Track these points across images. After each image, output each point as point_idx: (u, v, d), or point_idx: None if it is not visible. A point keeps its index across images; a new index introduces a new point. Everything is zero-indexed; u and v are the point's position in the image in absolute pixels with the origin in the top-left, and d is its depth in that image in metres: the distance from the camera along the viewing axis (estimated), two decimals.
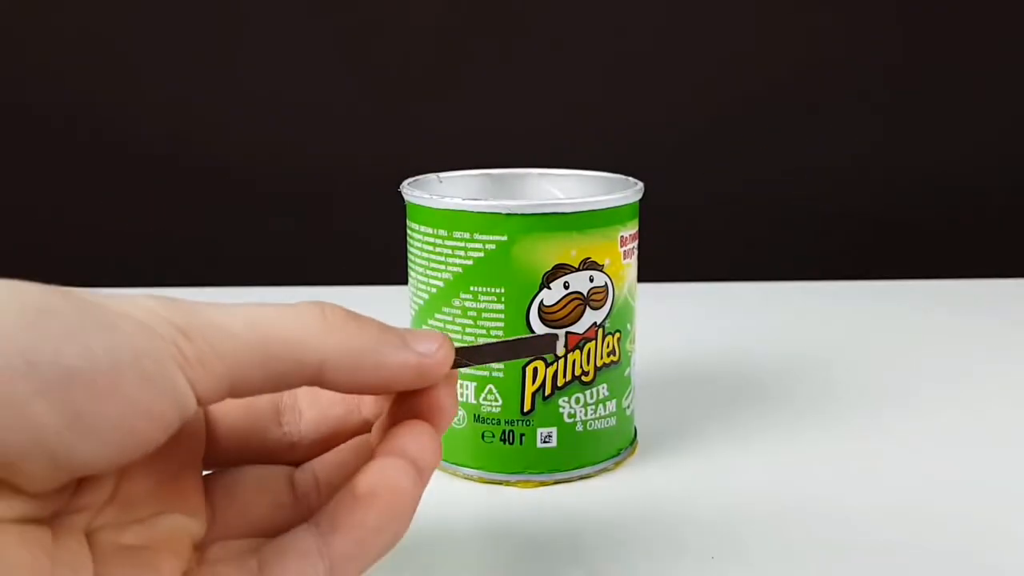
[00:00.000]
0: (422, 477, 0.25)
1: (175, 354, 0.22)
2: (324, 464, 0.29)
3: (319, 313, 0.25)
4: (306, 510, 0.28)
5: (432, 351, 0.26)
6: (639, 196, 0.38)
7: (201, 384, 0.23)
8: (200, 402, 0.23)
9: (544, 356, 0.35)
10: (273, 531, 0.26)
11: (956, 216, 0.75)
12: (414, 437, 0.26)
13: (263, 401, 0.29)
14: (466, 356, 0.28)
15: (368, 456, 0.26)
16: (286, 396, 0.30)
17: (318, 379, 0.25)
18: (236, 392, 0.24)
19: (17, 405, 0.20)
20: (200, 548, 0.26)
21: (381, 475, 0.25)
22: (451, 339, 0.27)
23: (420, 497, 0.26)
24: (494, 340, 0.35)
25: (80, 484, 0.24)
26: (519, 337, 0.34)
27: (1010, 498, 0.37)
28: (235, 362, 0.23)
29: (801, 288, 0.67)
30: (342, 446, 0.30)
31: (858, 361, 0.52)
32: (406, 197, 0.38)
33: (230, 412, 0.29)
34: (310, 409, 0.29)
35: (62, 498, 0.24)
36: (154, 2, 0.72)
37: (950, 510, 0.36)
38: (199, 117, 0.74)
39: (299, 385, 0.25)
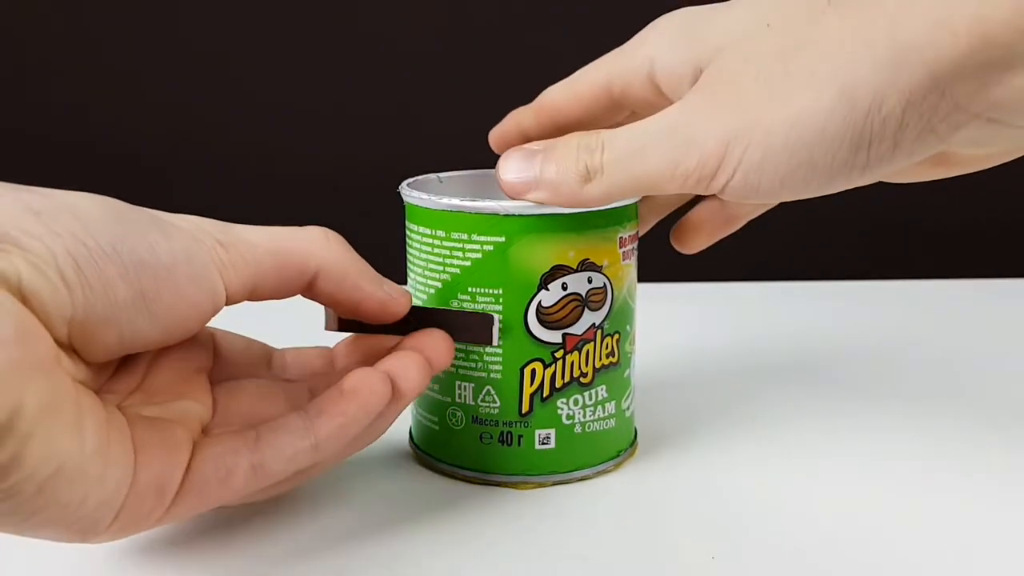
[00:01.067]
0: (398, 389, 0.32)
1: (215, 259, 0.29)
2: (317, 380, 0.35)
3: (323, 234, 0.32)
4: (296, 409, 0.33)
5: (396, 295, 0.34)
6: (638, 198, 0.38)
7: (232, 284, 0.29)
8: (228, 299, 0.29)
9: (482, 345, 0.36)
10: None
11: (956, 216, 0.75)
12: (397, 359, 0.33)
13: (257, 347, 0.36)
14: (420, 314, 0.35)
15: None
16: (275, 351, 0.37)
17: (313, 284, 0.32)
18: (255, 294, 0.30)
19: (105, 282, 0.26)
20: (206, 430, 0.31)
21: (363, 377, 0.31)
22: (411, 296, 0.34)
23: (397, 410, 0.33)
24: (441, 308, 0.36)
25: (117, 369, 0.30)
26: (459, 310, 0.36)
27: (1011, 498, 0.37)
28: (258, 268, 0.30)
29: (802, 288, 0.67)
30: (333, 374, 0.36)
31: (859, 361, 0.52)
32: (404, 198, 0.38)
33: (232, 348, 0.35)
34: (294, 362, 0.36)
35: (103, 377, 0.29)
36: (151, 1, 0.71)
37: (951, 510, 0.36)
38: (199, 117, 0.74)
39: (300, 291, 0.32)
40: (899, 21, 0.28)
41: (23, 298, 0.24)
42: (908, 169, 0.33)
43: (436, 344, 0.34)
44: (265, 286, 0.30)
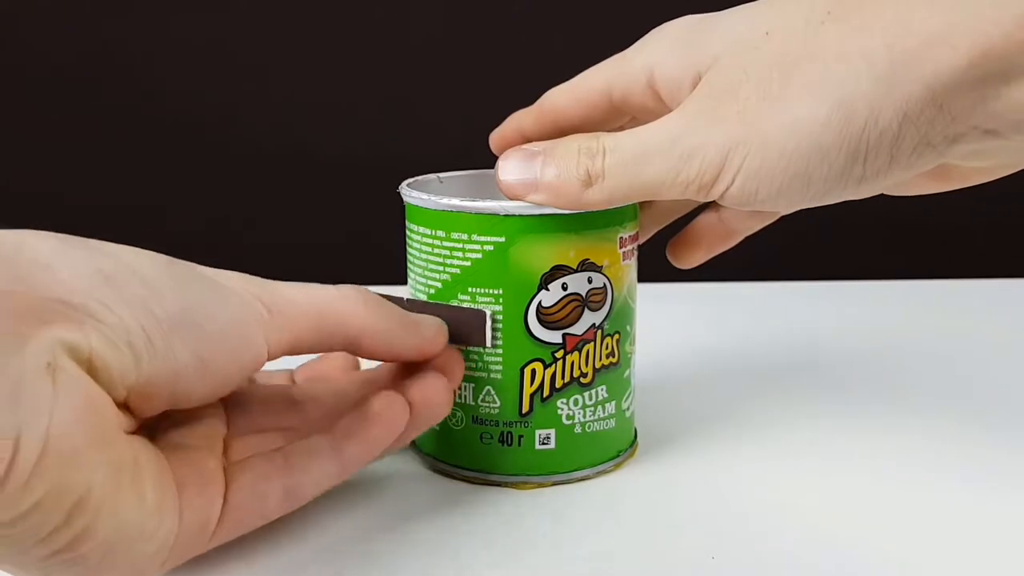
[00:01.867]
0: (415, 412, 0.33)
1: (262, 323, 0.29)
2: (319, 387, 0.36)
3: (358, 296, 0.32)
4: (300, 416, 0.34)
5: (432, 336, 0.34)
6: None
7: (273, 344, 0.30)
8: (268, 357, 0.30)
9: (479, 345, 0.36)
10: (273, 430, 0.33)
11: (956, 216, 0.75)
12: (418, 385, 0.34)
13: None
14: (415, 307, 0.35)
15: (370, 389, 0.34)
16: None
17: (355, 345, 0.32)
18: (294, 350, 0.31)
19: (170, 350, 0.26)
20: (227, 447, 0.32)
21: (389, 403, 0.33)
22: (442, 325, 0.35)
23: (413, 433, 0.34)
24: (438, 303, 0.36)
25: None
26: (454, 304, 0.36)
27: (1017, 499, 0.37)
28: (298, 329, 0.30)
29: (803, 288, 0.67)
30: (340, 378, 0.37)
31: (860, 361, 0.52)
32: (404, 198, 0.38)
33: None
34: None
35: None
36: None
37: (953, 511, 0.36)
38: (198, 117, 0.74)
39: (340, 349, 0.32)
40: (897, 34, 0.28)
41: (92, 368, 0.25)
42: (908, 182, 0.33)
43: (454, 364, 0.35)
44: (304, 344, 0.31)
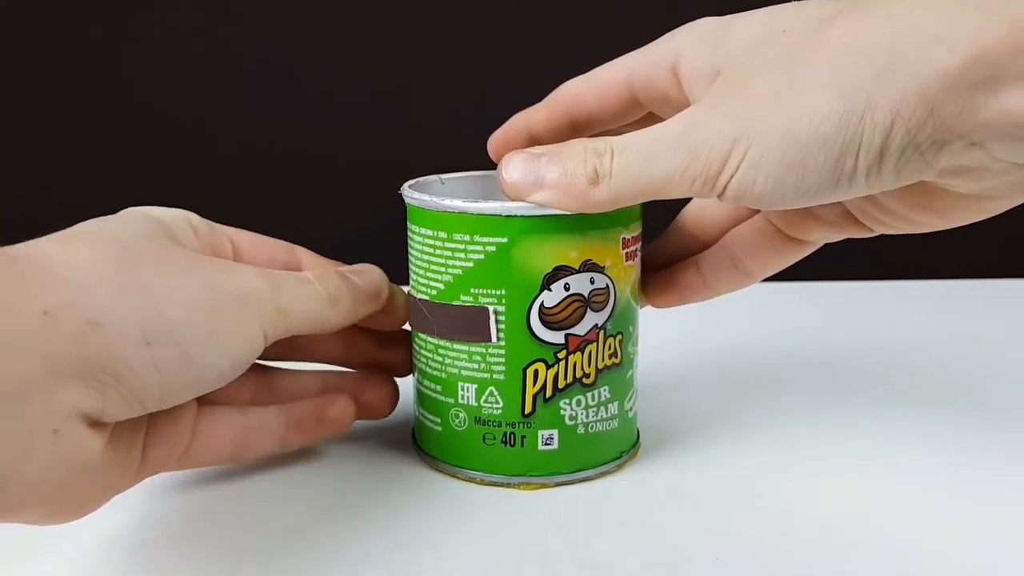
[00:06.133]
0: (359, 413, 0.40)
1: (269, 326, 0.32)
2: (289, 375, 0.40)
3: (330, 306, 0.36)
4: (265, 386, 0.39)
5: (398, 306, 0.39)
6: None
7: (269, 342, 0.33)
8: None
9: (484, 341, 0.36)
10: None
11: None
12: (373, 389, 0.41)
13: None
14: (416, 307, 0.38)
15: (328, 382, 0.40)
16: None
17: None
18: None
19: (180, 398, 0.30)
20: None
21: (341, 411, 0.39)
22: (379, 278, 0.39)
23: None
24: (440, 303, 0.37)
25: None
26: (457, 304, 0.36)
27: (1013, 498, 0.37)
28: (296, 329, 0.34)
29: (804, 288, 0.67)
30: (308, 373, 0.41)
31: (862, 362, 0.52)
32: (406, 199, 0.38)
33: None
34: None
35: None
36: (151, 1, 0.72)
37: (955, 511, 0.36)
38: (199, 117, 0.74)
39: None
40: (900, 32, 0.28)
41: (96, 423, 0.27)
42: (893, 208, 0.34)
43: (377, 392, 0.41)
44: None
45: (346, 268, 0.38)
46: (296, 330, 0.34)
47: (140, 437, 0.32)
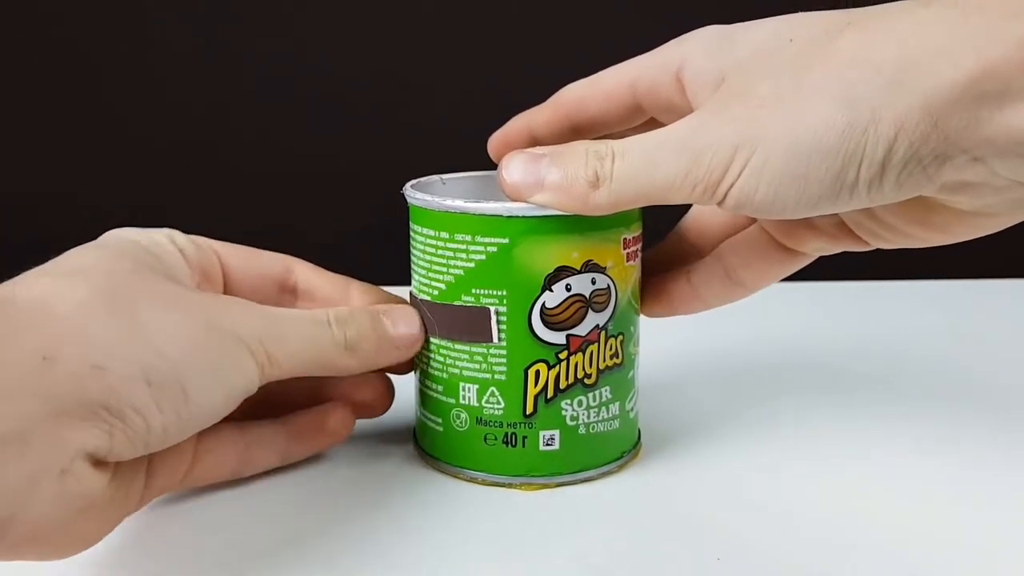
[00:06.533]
0: (356, 413, 0.40)
1: (262, 369, 0.32)
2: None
3: (346, 353, 0.35)
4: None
5: (407, 347, 0.37)
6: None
7: (267, 380, 0.32)
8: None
9: (485, 341, 0.36)
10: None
11: None
12: (367, 388, 0.40)
13: None
14: (427, 307, 0.37)
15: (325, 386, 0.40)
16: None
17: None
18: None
19: (181, 437, 0.30)
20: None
21: (340, 422, 0.39)
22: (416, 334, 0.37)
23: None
24: (441, 304, 0.37)
25: None
26: (458, 304, 0.36)
27: (1014, 498, 0.37)
28: (298, 371, 0.34)
29: (804, 288, 0.67)
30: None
31: (862, 362, 0.52)
32: (408, 199, 0.38)
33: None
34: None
35: None
36: (151, 1, 0.71)
37: (955, 511, 0.36)
38: (199, 117, 0.73)
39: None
40: (908, 45, 0.28)
41: (101, 462, 0.28)
42: (893, 223, 0.34)
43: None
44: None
45: (386, 308, 0.37)
46: (299, 372, 0.33)
47: (142, 468, 0.32)
